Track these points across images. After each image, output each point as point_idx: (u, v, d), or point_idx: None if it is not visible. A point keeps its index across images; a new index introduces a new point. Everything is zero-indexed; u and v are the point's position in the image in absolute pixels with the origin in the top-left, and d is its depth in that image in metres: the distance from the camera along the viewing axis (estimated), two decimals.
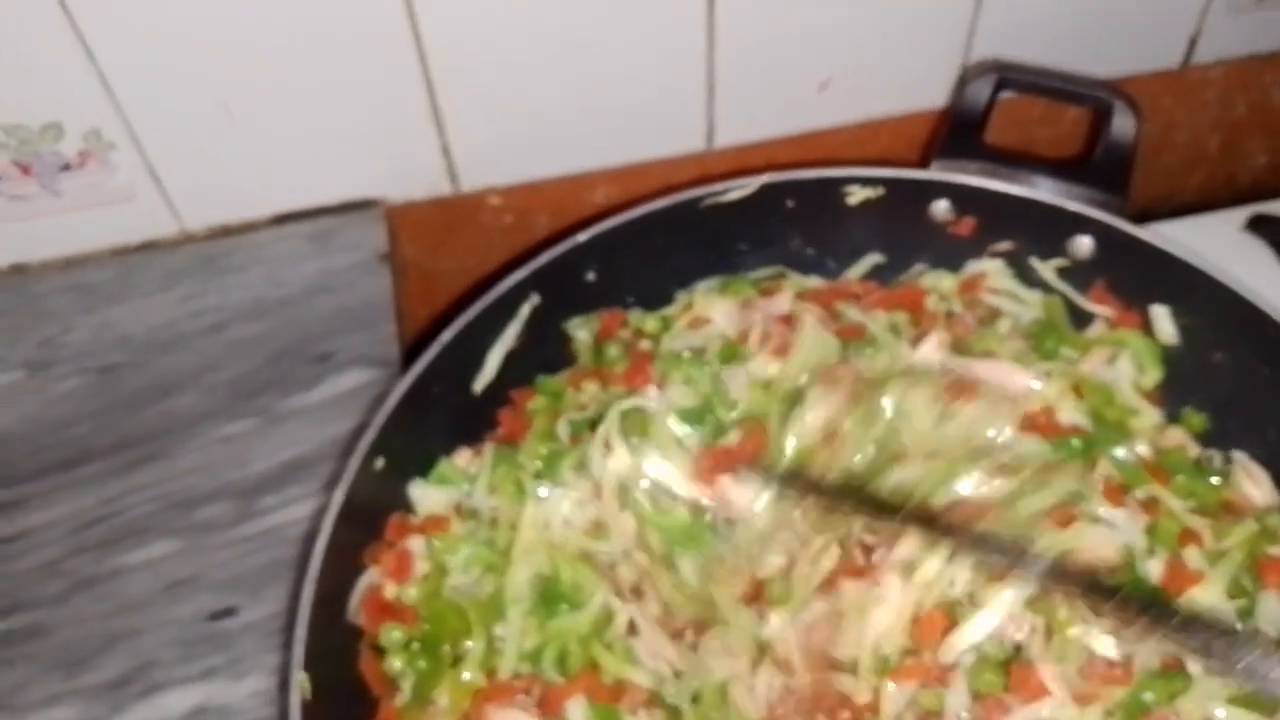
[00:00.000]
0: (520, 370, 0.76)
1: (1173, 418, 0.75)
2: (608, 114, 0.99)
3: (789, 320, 0.75)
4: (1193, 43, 1.09)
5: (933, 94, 1.02)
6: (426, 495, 0.70)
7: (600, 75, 0.94)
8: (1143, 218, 0.96)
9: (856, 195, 0.79)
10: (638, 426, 0.68)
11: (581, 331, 0.78)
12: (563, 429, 0.71)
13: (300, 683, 0.58)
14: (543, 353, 0.78)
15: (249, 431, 0.86)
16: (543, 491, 0.68)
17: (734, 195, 0.77)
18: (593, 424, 0.70)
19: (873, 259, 0.82)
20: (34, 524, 0.79)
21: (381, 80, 0.89)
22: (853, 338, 0.74)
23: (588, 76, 0.94)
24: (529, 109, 0.96)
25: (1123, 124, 0.76)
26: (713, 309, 0.76)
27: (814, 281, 0.81)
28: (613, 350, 0.76)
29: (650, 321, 0.78)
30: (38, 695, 0.71)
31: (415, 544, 0.68)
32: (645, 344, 0.76)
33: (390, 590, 0.66)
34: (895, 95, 1.03)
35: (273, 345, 0.91)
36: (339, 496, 0.62)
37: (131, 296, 0.94)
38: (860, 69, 1.00)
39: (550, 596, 0.65)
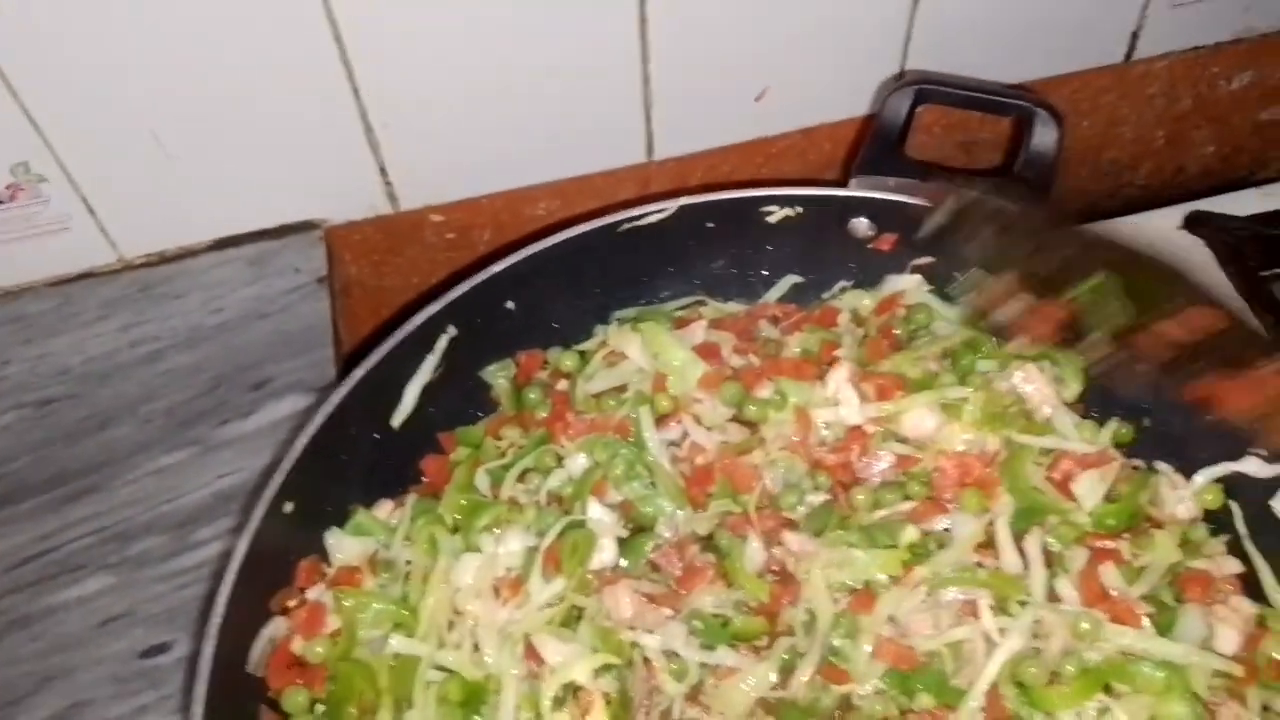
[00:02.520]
0: (444, 402, 0.76)
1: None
2: (546, 130, 0.98)
3: (706, 349, 0.74)
4: (1135, 37, 1.09)
5: (873, 100, 1.02)
6: (342, 545, 0.69)
7: (536, 91, 0.94)
8: (1091, 214, 0.97)
9: (776, 214, 0.78)
10: (576, 550, 0.66)
11: (499, 378, 0.77)
12: (481, 479, 0.71)
13: None
14: (467, 383, 0.78)
15: (184, 462, 0.86)
16: (458, 549, 0.67)
17: (652, 219, 0.77)
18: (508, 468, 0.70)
19: (791, 279, 0.82)
20: None
21: (315, 103, 0.89)
22: (755, 381, 0.74)
23: (523, 93, 0.94)
24: (466, 127, 0.96)
25: (1044, 134, 0.76)
26: (628, 344, 0.75)
27: (733, 307, 0.80)
28: (533, 394, 0.75)
29: (568, 360, 0.77)
30: None
31: (326, 597, 0.67)
32: (564, 384, 0.75)
33: (298, 645, 0.65)
34: (833, 103, 1.03)
35: (210, 373, 0.91)
36: (243, 545, 0.62)
37: (69, 328, 0.94)
38: (797, 79, 1.00)
39: (461, 704, 0.63)
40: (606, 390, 0.75)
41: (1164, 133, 1.20)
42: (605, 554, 0.66)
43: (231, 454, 0.86)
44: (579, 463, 0.71)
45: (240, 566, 0.61)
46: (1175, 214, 0.98)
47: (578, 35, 0.89)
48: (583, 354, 0.78)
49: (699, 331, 0.76)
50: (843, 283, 0.81)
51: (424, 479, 0.74)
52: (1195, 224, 0.95)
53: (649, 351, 0.74)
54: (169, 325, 0.94)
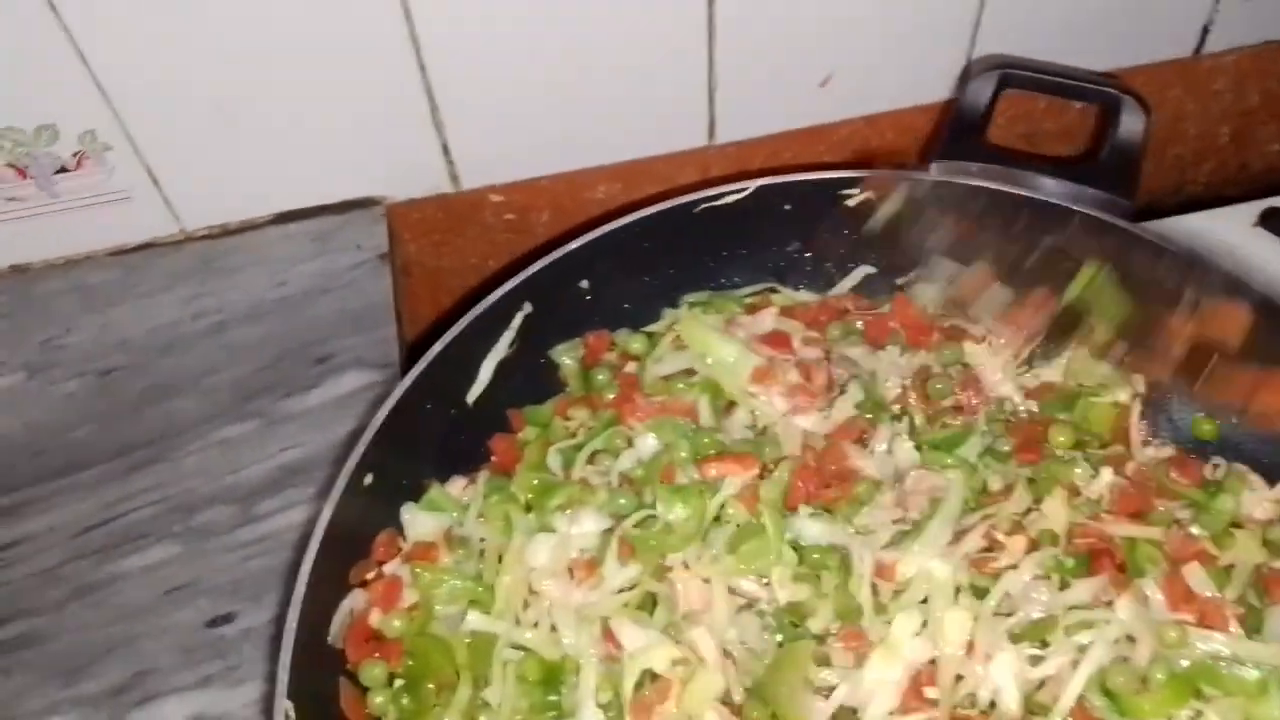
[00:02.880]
0: (515, 379, 0.76)
1: (1183, 425, 0.73)
2: (608, 111, 0.98)
3: (775, 338, 0.73)
4: (1205, 31, 1.07)
5: (937, 87, 1.01)
6: (417, 520, 0.68)
7: (600, 73, 0.93)
8: (1149, 211, 0.95)
9: (856, 198, 0.77)
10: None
11: (567, 358, 0.77)
12: (553, 459, 0.70)
13: (285, 711, 0.58)
14: (538, 361, 0.77)
15: (248, 434, 0.86)
16: (533, 528, 0.66)
17: (729, 199, 0.76)
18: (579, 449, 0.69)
19: (864, 270, 0.81)
20: (33, 530, 0.80)
21: (380, 79, 0.89)
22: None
23: (588, 74, 0.93)
24: (529, 107, 0.95)
25: (1131, 121, 0.75)
26: (695, 330, 0.74)
27: (803, 295, 0.79)
28: (600, 376, 0.74)
29: (636, 342, 0.76)
30: (36, 704, 0.71)
31: (403, 570, 0.66)
32: (632, 366, 0.75)
33: (375, 618, 0.65)
34: (898, 90, 1.02)
35: (273, 347, 0.91)
36: (325, 515, 0.62)
37: (131, 298, 0.94)
38: (862, 65, 0.99)
39: (540, 683, 0.62)
40: (675, 373, 0.74)
41: (1229, 129, 1.19)
42: None
43: (295, 428, 0.85)
44: (649, 444, 0.70)
45: (323, 536, 0.61)
46: (1249, 211, 0.96)
47: (645, 15, 0.88)
48: (650, 336, 0.77)
49: (769, 319, 0.75)
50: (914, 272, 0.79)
51: (493, 457, 0.73)
52: (1271, 219, 0.94)
53: (695, 350, 0.73)
54: (231, 298, 0.94)
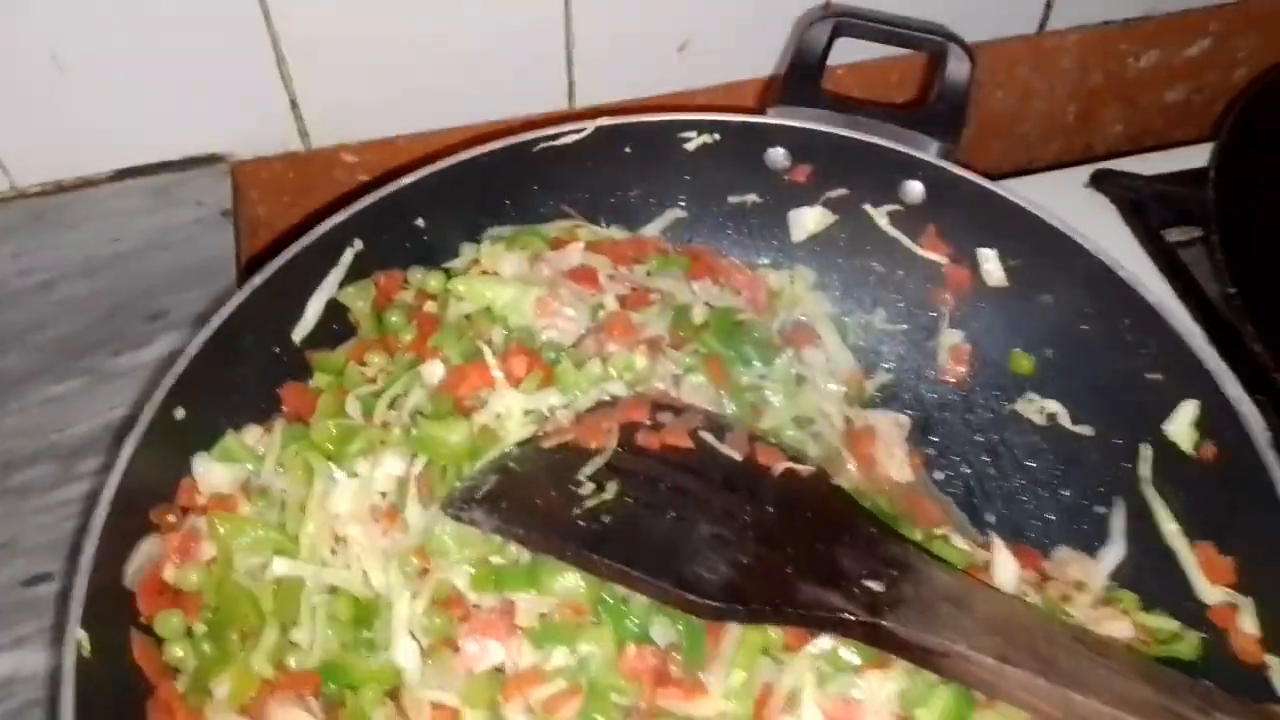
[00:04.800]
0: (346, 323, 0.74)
1: (1002, 356, 0.76)
2: (466, 72, 0.97)
3: (582, 274, 0.74)
4: (1049, 7, 1.11)
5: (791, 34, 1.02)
6: (211, 470, 0.65)
7: (457, 29, 0.93)
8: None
9: (694, 141, 0.78)
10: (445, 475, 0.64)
11: (358, 301, 0.74)
12: (353, 407, 0.68)
13: (79, 641, 0.55)
14: None
15: (75, 392, 0.82)
16: (334, 475, 0.64)
17: (569, 139, 0.76)
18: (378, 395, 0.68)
19: (674, 213, 0.82)
20: None
21: (224, 31, 0.86)
22: (638, 305, 0.73)
23: (444, 30, 0.92)
24: (383, 66, 0.94)
25: (957, 68, 0.77)
26: (501, 263, 0.74)
27: (612, 232, 0.80)
28: (395, 317, 0.72)
29: (433, 280, 0.74)
30: None
31: (200, 523, 0.64)
32: (430, 306, 0.73)
33: (170, 573, 0.62)
34: (753, 58, 1.03)
35: (105, 303, 0.88)
36: (130, 444, 0.59)
37: None
38: (718, 31, 1.00)
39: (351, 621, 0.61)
40: (478, 313, 0.73)
41: (1075, 108, 1.24)
42: None
43: (125, 385, 0.82)
44: (435, 371, 0.69)
45: (127, 466, 0.58)
46: (1082, 173, 1.00)
47: None
48: (448, 272, 0.75)
49: (575, 254, 0.75)
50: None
51: (284, 407, 0.70)
52: (1100, 180, 0.98)
53: (475, 301, 0.72)
54: (63, 254, 0.90)
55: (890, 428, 0.77)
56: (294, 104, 0.95)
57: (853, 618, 0.56)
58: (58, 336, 0.85)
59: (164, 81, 0.89)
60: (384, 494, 0.64)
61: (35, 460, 0.78)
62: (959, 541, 0.68)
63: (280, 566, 0.61)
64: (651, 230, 0.82)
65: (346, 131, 0.99)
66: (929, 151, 0.75)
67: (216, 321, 0.64)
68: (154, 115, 0.92)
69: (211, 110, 0.93)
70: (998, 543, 0.66)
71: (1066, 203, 0.88)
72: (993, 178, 0.76)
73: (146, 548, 0.62)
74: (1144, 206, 0.96)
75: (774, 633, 0.60)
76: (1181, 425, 0.68)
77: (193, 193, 0.95)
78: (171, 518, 0.64)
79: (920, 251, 0.78)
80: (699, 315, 0.76)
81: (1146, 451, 0.71)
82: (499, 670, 0.58)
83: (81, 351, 0.85)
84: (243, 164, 0.97)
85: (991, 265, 0.76)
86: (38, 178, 0.93)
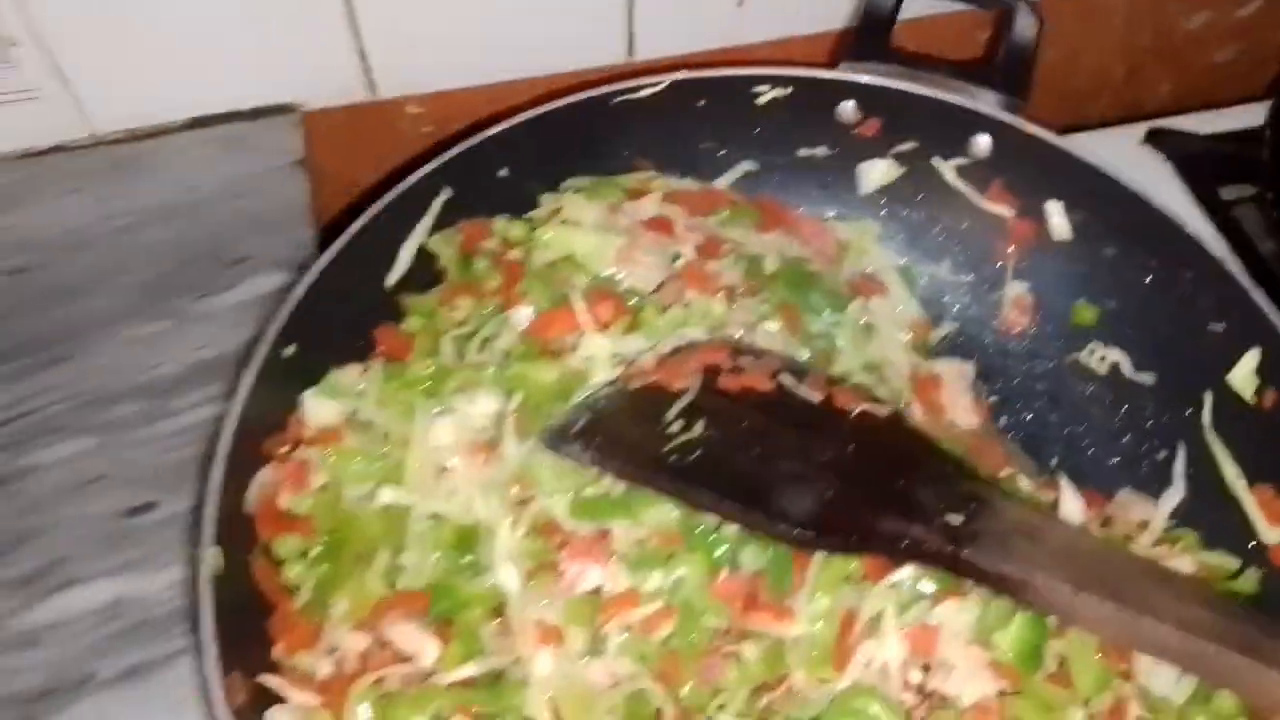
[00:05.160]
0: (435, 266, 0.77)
1: (1065, 308, 0.78)
2: (527, 23, 0.98)
3: (658, 224, 0.76)
4: None
5: (848, 12, 1.03)
6: (318, 406, 0.68)
7: None
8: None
9: (766, 95, 0.80)
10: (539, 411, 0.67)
11: (445, 248, 0.76)
12: (447, 348, 0.70)
13: (212, 557, 0.58)
14: None
15: (160, 333, 0.85)
16: (433, 410, 0.67)
17: (646, 92, 0.78)
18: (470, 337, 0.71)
19: (745, 166, 0.84)
20: None
21: None
22: (712, 253, 0.76)
23: None
24: (447, 16, 0.95)
25: (1024, 25, 0.79)
26: (580, 213, 0.76)
27: (686, 183, 0.81)
28: (480, 265, 0.75)
29: (516, 229, 0.76)
30: None
31: (311, 454, 0.66)
32: (514, 253, 0.75)
33: (285, 499, 0.65)
34: (813, 12, 1.05)
35: (185, 248, 0.90)
36: (248, 377, 0.62)
37: (39, 200, 0.92)
38: None
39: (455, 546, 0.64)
40: (561, 261, 0.75)
41: (1124, 66, 1.25)
42: None
43: (208, 327, 0.85)
44: (524, 315, 0.71)
45: (247, 398, 0.61)
46: (1137, 130, 1.02)
47: None
48: (530, 221, 0.78)
49: (651, 205, 0.77)
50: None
51: (380, 347, 0.73)
52: (1157, 138, 0.99)
53: (560, 250, 0.74)
54: (142, 201, 0.93)
55: (955, 375, 0.79)
56: (362, 55, 0.96)
57: (935, 548, 0.59)
58: (140, 280, 0.88)
59: (236, 31, 0.91)
60: (481, 429, 0.67)
61: (127, 398, 0.81)
62: (1026, 484, 0.71)
63: (386, 495, 0.64)
64: (723, 182, 0.84)
65: (411, 82, 1.00)
66: (996, 107, 0.77)
67: (322, 263, 0.67)
68: (226, 65, 0.94)
69: (282, 60, 0.95)
70: (1064, 483, 0.69)
71: (1123, 159, 0.89)
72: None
73: (263, 476, 0.65)
74: (1198, 164, 0.98)
75: (855, 564, 0.63)
76: (1243, 373, 0.71)
77: (265, 141, 0.97)
78: (284, 448, 0.66)
79: (986, 205, 0.80)
80: (770, 265, 0.78)
81: (1209, 398, 0.73)
82: (596, 592, 0.61)
83: (164, 295, 0.87)
84: (311, 114, 0.99)
85: (1057, 219, 0.78)
86: (116, 125, 0.95)
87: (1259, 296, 0.70)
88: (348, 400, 0.68)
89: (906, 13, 0.96)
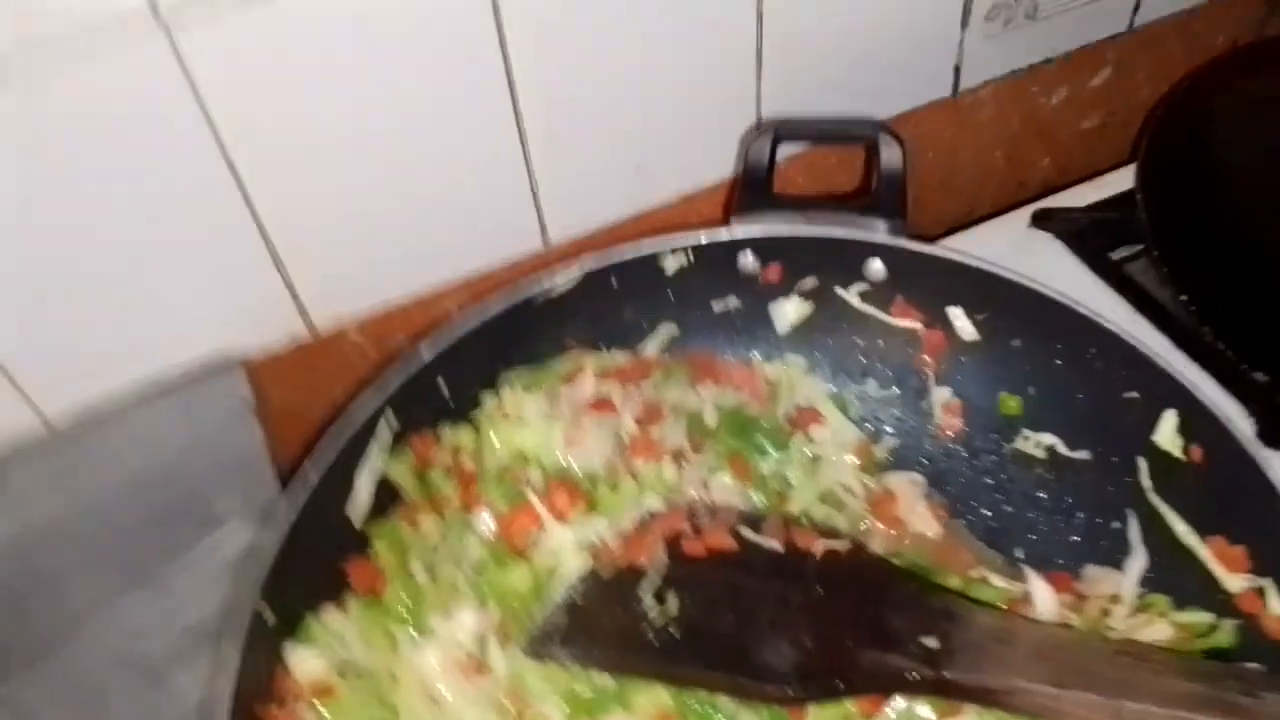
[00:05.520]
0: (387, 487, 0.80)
1: (991, 402, 0.82)
2: (442, 227, 1.03)
3: (598, 403, 0.80)
4: (958, 71, 1.21)
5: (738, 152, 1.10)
6: (303, 659, 0.68)
7: (429, 193, 0.99)
8: (948, 235, 1.06)
9: (671, 264, 0.85)
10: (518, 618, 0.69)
11: (398, 468, 0.78)
12: (418, 570, 0.72)
13: None
14: None
15: (143, 607, 0.86)
16: (415, 638, 0.68)
17: (562, 288, 0.83)
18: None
19: (668, 329, 0.89)
20: None
21: (217, 235, 0.92)
22: (653, 419, 0.79)
23: (418, 196, 0.99)
24: (365, 235, 1.00)
25: (889, 153, 0.85)
26: (523, 406, 0.79)
27: (616, 357, 0.86)
28: (436, 478, 0.77)
29: (464, 435, 0.79)
30: None
31: (305, 712, 0.67)
32: (466, 460, 0.78)
33: None
34: (705, 166, 1.12)
35: (154, 516, 0.91)
36: (232, 652, 0.63)
37: (4, 506, 0.93)
38: (668, 148, 1.08)
39: None
40: (512, 457, 0.78)
41: (1002, 153, 1.33)
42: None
43: (188, 590, 0.86)
44: (485, 521, 0.74)
45: (235, 676, 0.62)
46: (1023, 215, 1.08)
47: (458, 129, 0.95)
48: (475, 423, 0.81)
49: (588, 385, 0.81)
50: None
51: (351, 582, 0.74)
52: (1042, 219, 1.06)
53: (508, 448, 0.78)
54: (106, 480, 0.93)
55: (907, 487, 0.82)
56: (293, 294, 1.01)
57: (918, 676, 0.61)
58: (116, 559, 0.89)
59: (168, 294, 0.94)
60: (465, 647, 0.68)
61: (117, 683, 0.81)
62: (997, 580, 0.74)
63: None
64: (650, 348, 0.88)
65: (345, 311, 1.04)
66: (881, 232, 0.83)
67: (287, 520, 0.69)
68: (164, 330, 0.97)
69: (219, 313, 0.98)
70: (1030, 573, 0.72)
71: (1015, 246, 0.96)
72: (939, 231, 0.82)
73: None
74: (1085, 236, 1.04)
75: (850, 704, 0.64)
76: (1166, 434, 0.74)
77: (216, 396, 0.99)
78: (276, 707, 0.67)
79: (894, 321, 0.85)
80: (710, 417, 0.82)
81: (1142, 463, 0.76)
82: None
83: (141, 567, 0.88)
84: (255, 360, 1.02)
85: (961, 322, 0.83)
86: (68, 412, 0.98)
87: (1164, 360, 0.74)
88: (331, 647, 0.69)
89: (786, 153, 1.04)
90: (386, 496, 0.80)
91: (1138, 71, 1.33)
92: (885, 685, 0.62)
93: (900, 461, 0.85)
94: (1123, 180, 1.06)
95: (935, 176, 1.29)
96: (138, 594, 0.86)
